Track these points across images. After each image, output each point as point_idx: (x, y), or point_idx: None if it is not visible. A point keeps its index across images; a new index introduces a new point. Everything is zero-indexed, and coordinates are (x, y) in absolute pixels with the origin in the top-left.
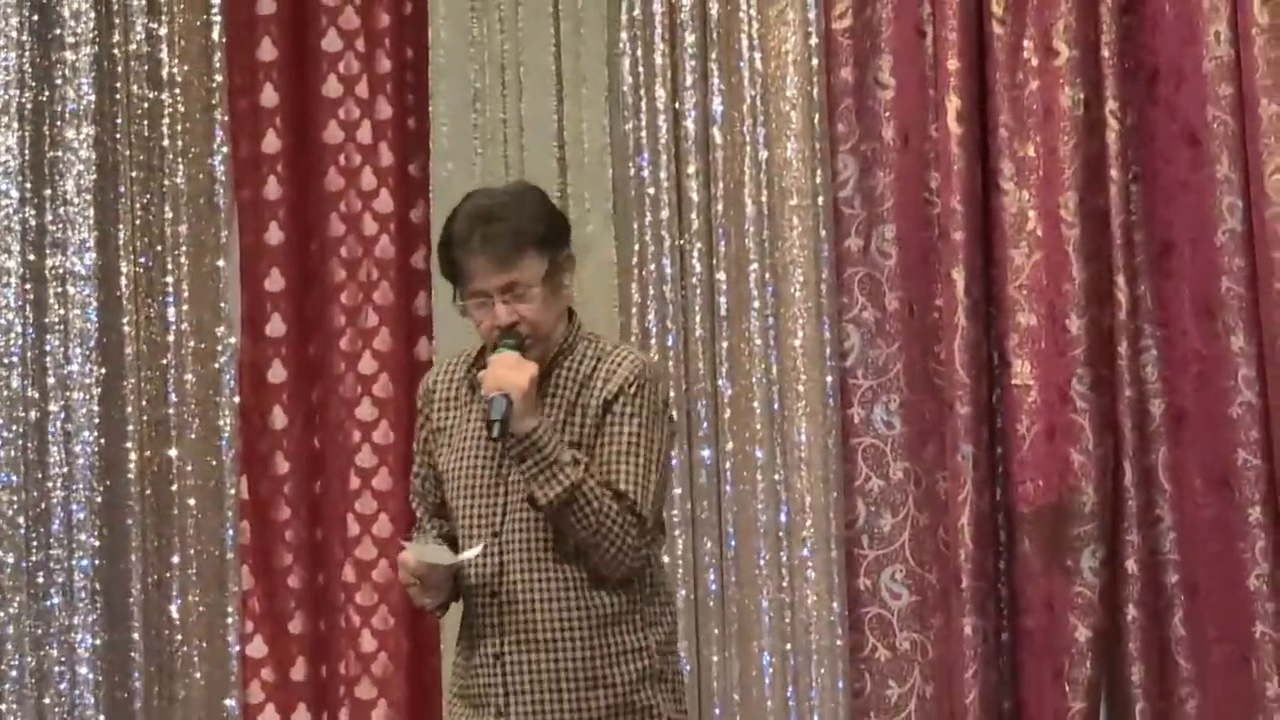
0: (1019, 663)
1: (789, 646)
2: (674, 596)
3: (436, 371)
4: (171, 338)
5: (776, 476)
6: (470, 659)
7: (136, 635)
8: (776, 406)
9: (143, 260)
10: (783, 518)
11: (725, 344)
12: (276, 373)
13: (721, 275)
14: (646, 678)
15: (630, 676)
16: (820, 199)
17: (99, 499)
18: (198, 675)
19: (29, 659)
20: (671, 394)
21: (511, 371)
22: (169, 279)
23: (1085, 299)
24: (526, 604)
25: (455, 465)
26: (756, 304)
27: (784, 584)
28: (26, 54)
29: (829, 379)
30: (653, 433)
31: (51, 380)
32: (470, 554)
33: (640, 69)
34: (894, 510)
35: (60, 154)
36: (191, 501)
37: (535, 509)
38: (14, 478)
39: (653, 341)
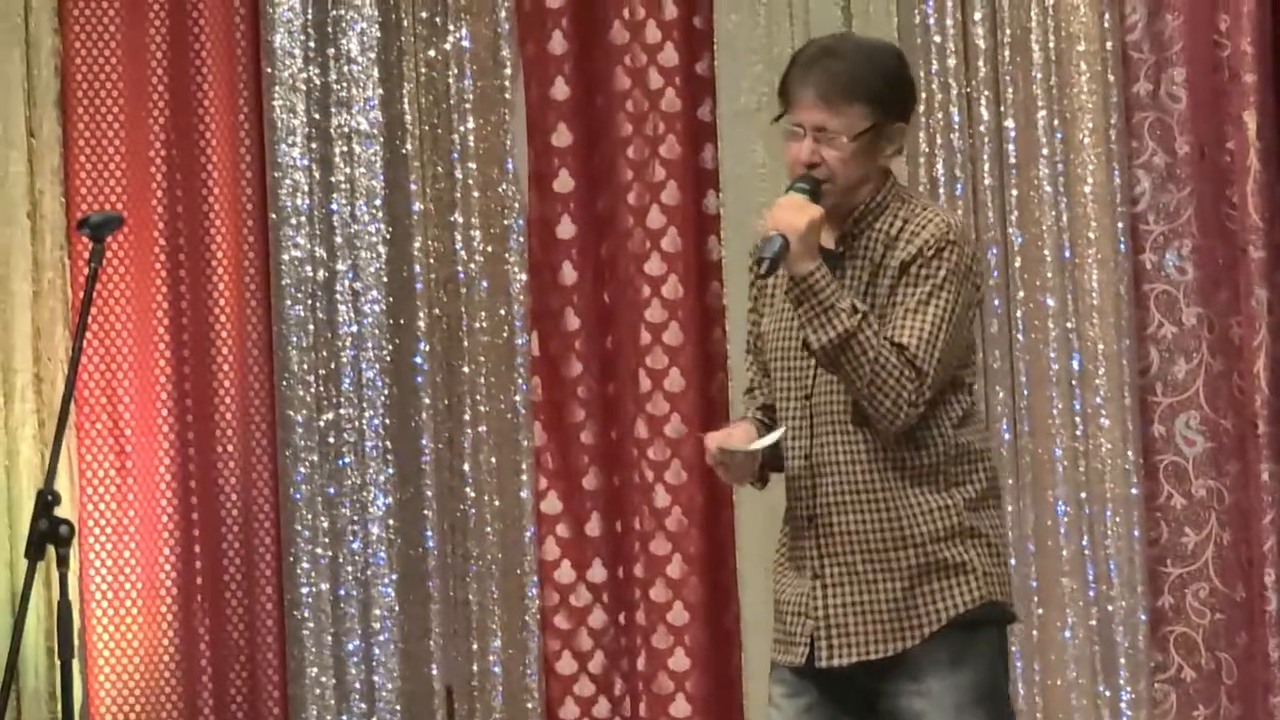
0: None
1: (1083, 495)
2: (988, 455)
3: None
4: (459, 194)
5: (1069, 324)
6: (791, 523)
7: (429, 493)
8: (1067, 254)
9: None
10: (1075, 365)
11: (1014, 192)
12: (565, 228)
13: (1010, 122)
14: (956, 534)
15: (936, 534)
16: (1109, 43)
17: (388, 358)
18: (490, 532)
19: (322, 519)
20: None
21: (792, 213)
22: (455, 136)
23: None
24: (834, 466)
25: (773, 327)
26: (1045, 151)
27: (1077, 432)
28: None
29: (1120, 225)
30: (947, 292)
31: (339, 239)
32: (766, 441)
33: None
34: (1187, 357)
35: (343, 12)
36: (482, 358)
37: (810, 353)
38: (303, 338)
39: (941, 190)
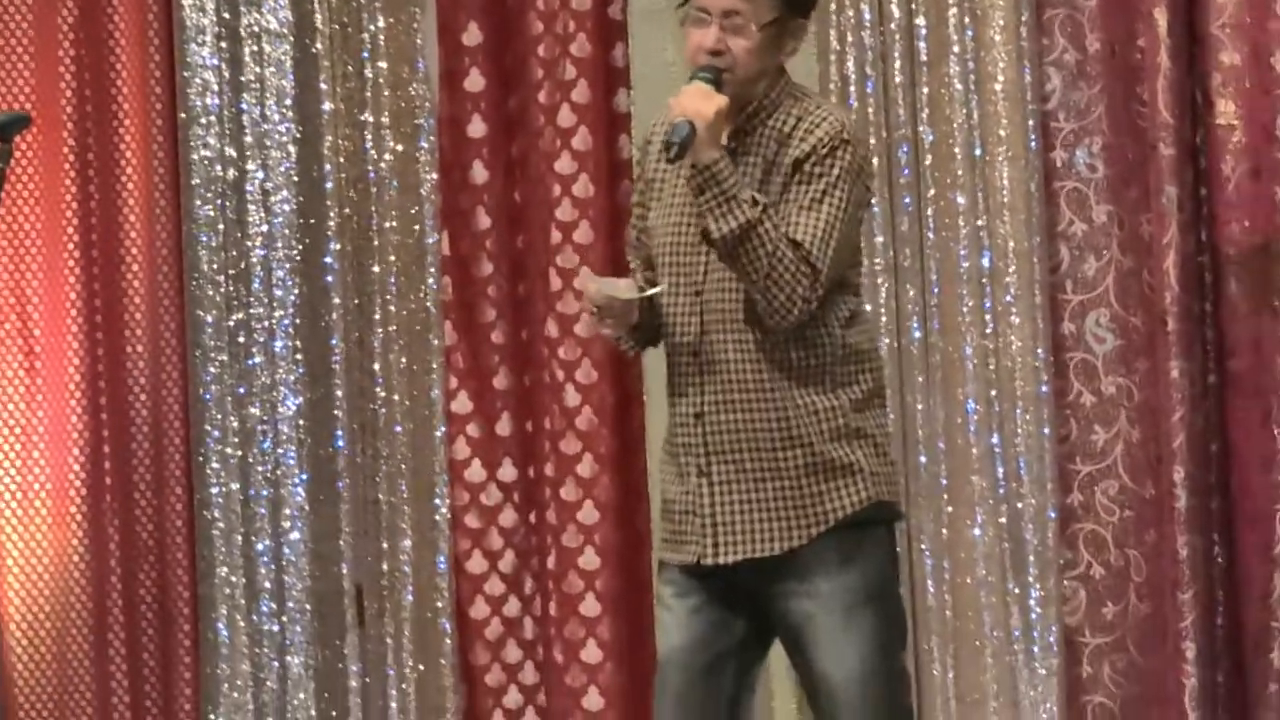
0: (1227, 406)
1: (994, 393)
2: (875, 355)
3: (654, 123)
4: (369, 93)
5: (979, 221)
6: (677, 420)
7: (339, 393)
8: (978, 151)
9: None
10: (985, 263)
11: (925, 90)
12: (476, 127)
13: (920, 20)
14: (843, 435)
15: (823, 434)
16: None
17: (298, 257)
18: (400, 431)
19: (232, 419)
20: (875, 160)
21: (699, 100)
22: (365, 35)
23: None
24: (723, 364)
25: (662, 220)
26: (956, 48)
27: (987, 330)
28: None
29: (1030, 122)
30: (840, 191)
31: (249, 139)
32: (651, 291)
33: None
34: (1097, 254)
35: None
36: (392, 258)
37: (708, 244)
38: (213, 238)
39: (852, 89)
